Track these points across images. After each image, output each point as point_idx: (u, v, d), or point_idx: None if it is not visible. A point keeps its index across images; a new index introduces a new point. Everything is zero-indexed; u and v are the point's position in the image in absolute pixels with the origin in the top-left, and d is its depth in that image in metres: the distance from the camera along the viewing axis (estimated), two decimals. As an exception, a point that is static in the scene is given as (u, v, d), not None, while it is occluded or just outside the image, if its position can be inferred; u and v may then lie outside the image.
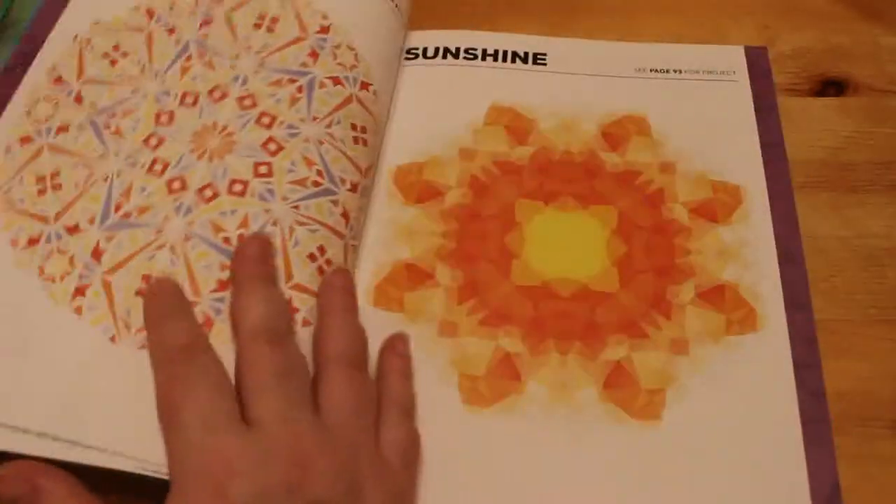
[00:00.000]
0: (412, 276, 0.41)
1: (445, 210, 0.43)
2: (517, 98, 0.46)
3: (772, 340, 0.39)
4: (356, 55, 0.42)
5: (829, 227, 0.43)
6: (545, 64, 0.48)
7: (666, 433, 0.36)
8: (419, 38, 0.49)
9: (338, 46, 0.42)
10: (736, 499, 0.35)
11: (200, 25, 0.42)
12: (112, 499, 0.33)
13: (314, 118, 0.40)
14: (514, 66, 0.48)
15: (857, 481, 0.35)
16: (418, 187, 0.44)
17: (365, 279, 0.41)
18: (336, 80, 0.41)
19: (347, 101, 0.41)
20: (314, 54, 0.42)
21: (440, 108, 0.46)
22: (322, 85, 0.41)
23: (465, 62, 0.48)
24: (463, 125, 0.46)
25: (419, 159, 0.45)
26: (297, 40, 0.42)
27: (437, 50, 0.48)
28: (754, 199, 0.43)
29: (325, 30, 0.43)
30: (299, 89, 0.41)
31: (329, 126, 0.40)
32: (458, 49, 0.48)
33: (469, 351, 0.39)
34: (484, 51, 0.48)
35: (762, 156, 0.44)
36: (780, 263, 0.41)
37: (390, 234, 0.42)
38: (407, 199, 0.43)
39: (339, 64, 0.42)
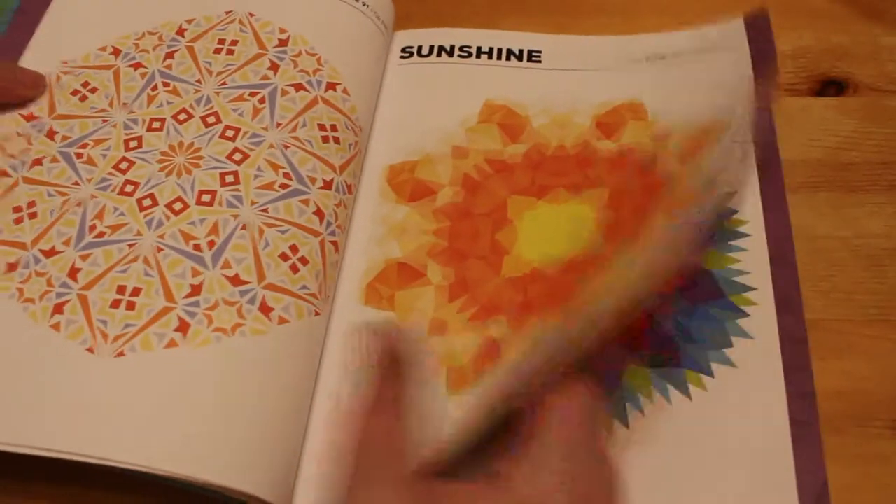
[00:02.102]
0: (404, 274, 0.41)
1: (438, 208, 0.43)
2: (511, 95, 0.46)
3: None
4: (319, 59, 0.44)
5: (829, 227, 0.42)
6: (540, 61, 0.47)
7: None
8: (414, 37, 0.49)
9: (298, 55, 0.44)
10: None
11: (164, 58, 0.44)
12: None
13: (278, 125, 0.41)
14: (508, 63, 0.47)
15: (856, 481, 0.35)
16: (411, 186, 0.43)
17: (356, 277, 0.41)
18: (298, 87, 0.43)
19: (313, 103, 0.42)
20: (274, 66, 0.43)
21: (434, 106, 0.46)
22: (284, 93, 0.42)
23: (460, 60, 0.47)
24: (456, 123, 0.45)
25: (412, 158, 0.44)
26: (256, 57, 0.44)
27: (431, 48, 0.48)
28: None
29: (283, 42, 0.44)
30: (261, 100, 0.42)
31: (294, 130, 0.41)
32: (452, 47, 0.48)
33: (457, 347, 0.38)
34: (479, 48, 0.48)
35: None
36: (771, 266, 0.40)
37: (382, 232, 0.42)
38: (399, 198, 0.43)
39: (301, 71, 0.43)
